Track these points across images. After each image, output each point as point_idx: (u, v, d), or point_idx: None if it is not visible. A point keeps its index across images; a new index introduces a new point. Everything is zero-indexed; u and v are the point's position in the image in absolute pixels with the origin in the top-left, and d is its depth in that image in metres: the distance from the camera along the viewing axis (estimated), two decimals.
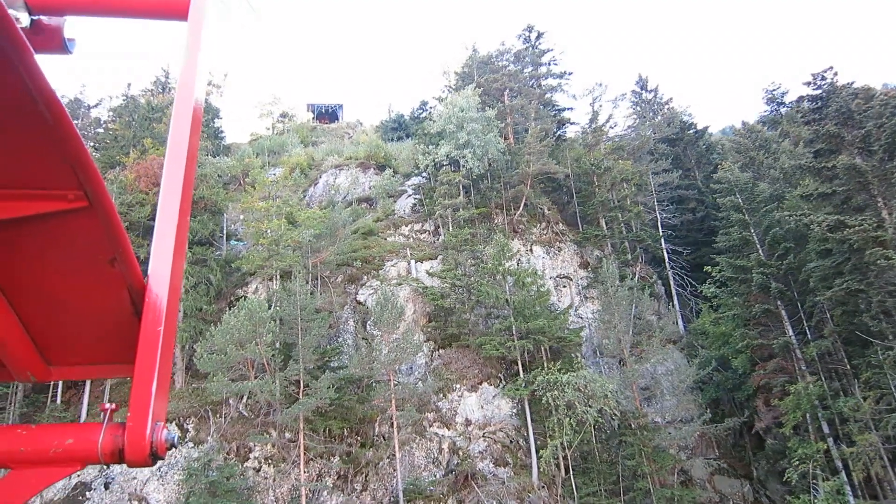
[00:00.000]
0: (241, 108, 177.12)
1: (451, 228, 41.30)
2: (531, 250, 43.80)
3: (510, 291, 34.44)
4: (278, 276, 35.44)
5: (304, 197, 53.32)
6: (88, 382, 31.79)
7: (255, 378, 28.68)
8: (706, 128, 68.08)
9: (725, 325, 34.43)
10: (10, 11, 1.36)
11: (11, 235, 1.53)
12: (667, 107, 67.12)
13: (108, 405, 1.67)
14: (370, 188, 53.10)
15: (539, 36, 59.82)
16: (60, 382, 31.50)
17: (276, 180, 40.59)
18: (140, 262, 1.71)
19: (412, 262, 40.17)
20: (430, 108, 74.60)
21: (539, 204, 45.99)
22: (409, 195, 49.56)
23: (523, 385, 31.39)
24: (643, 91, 67.53)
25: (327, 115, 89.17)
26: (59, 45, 1.92)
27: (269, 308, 32.79)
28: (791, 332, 32.16)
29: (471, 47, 59.97)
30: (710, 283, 36.70)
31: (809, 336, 31.81)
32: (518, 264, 37.95)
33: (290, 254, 35.11)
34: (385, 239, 43.69)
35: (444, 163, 43.26)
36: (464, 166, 42.41)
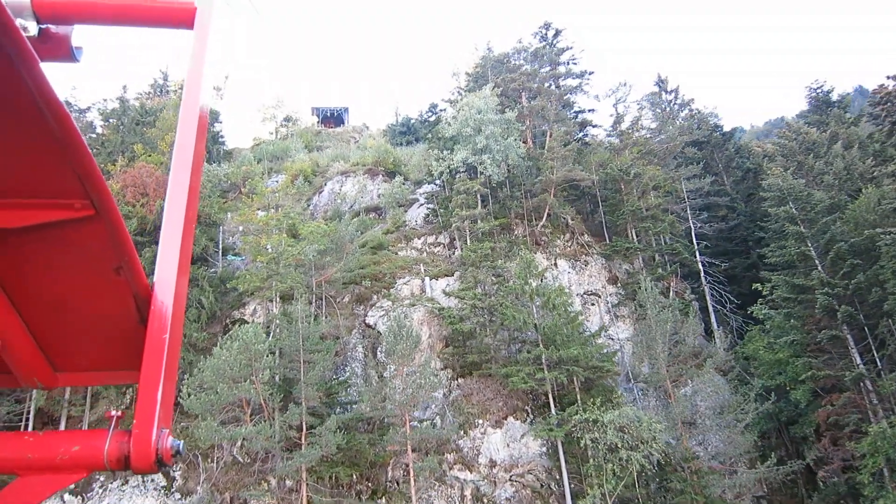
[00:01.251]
0: (244, 111, 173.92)
1: (468, 242, 37.54)
2: (555, 264, 40.05)
3: (537, 314, 30.71)
4: (279, 298, 31.76)
5: (308, 206, 49.68)
6: (64, 422, 28.20)
7: (251, 420, 24.97)
8: (734, 129, 64.25)
9: (782, 351, 30.50)
10: (18, 21, 1.52)
11: (19, 243, 1.55)
12: (687, 108, 63.12)
13: (113, 412, 1.60)
14: (379, 196, 49.38)
15: (557, 34, 55.94)
16: (31, 422, 27.95)
17: (278, 189, 36.92)
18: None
19: (426, 279, 36.43)
20: (440, 110, 71.19)
21: (562, 214, 42.24)
22: (422, 204, 45.80)
23: (557, 424, 27.55)
24: (663, 92, 63.54)
25: (332, 118, 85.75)
26: (66, 53, 1.89)
27: (268, 336, 29.13)
28: (859, 362, 28.31)
29: (484, 46, 56.41)
30: (761, 303, 32.70)
31: (880, 366, 27.94)
32: (542, 281, 34.04)
33: (293, 272, 31.42)
34: (396, 253, 39.95)
35: (461, 170, 39.53)
36: (482, 173, 38.64)
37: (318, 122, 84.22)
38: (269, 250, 31.93)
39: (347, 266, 34.43)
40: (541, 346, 29.44)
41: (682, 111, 62.86)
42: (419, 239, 41.68)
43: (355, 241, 36.35)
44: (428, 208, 44.29)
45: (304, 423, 25.03)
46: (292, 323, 27.21)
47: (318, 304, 33.58)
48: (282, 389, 26.28)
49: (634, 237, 42.04)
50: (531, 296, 30.27)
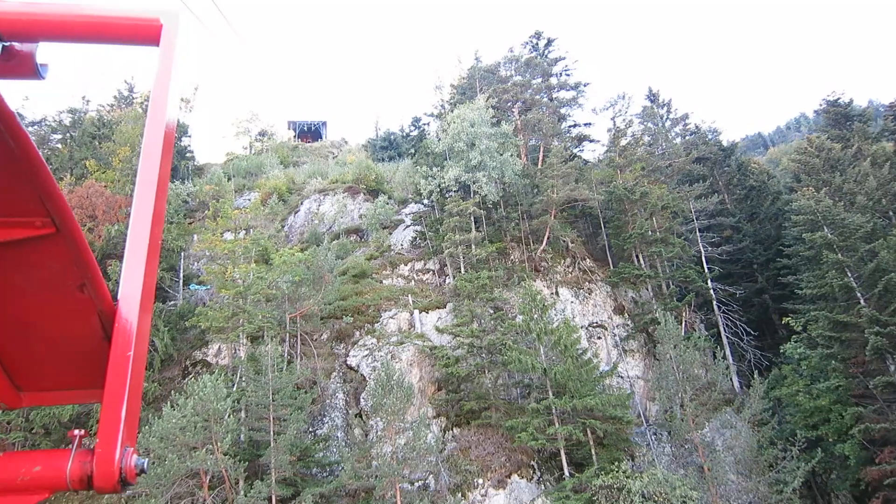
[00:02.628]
0: (217, 125, 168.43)
1: (462, 269, 33.57)
2: (556, 293, 36.21)
3: (545, 355, 26.77)
4: (247, 339, 27.44)
5: (283, 227, 45.43)
6: None
7: (210, 494, 20.56)
8: (734, 144, 61.16)
9: (823, 397, 26.81)
10: None
11: None
12: (682, 123, 59.77)
13: (76, 431, 1.59)
14: (360, 217, 45.24)
15: (549, 43, 52.80)
16: None
17: (248, 209, 32.58)
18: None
19: (416, 312, 32.30)
20: (424, 124, 67.61)
21: (562, 236, 38.42)
22: (408, 226, 41.78)
23: (572, 489, 23.48)
24: (654, 106, 60.23)
25: (310, 133, 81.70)
26: (31, 70, 1.85)
27: (234, 385, 24.84)
28: None
29: (471, 56, 53.15)
30: (796, 341, 29.00)
31: None
32: (545, 314, 29.82)
33: (263, 307, 27.26)
34: (380, 282, 35.77)
35: (453, 188, 35.64)
36: (476, 192, 34.78)
37: (294, 136, 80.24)
38: (237, 280, 27.66)
39: (326, 298, 30.25)
40: (550, 394, 25.54)
41: (675, 126, 59.62)
42: (406, 265, 37.60)
43: (335, 270, 32.14)
44: (415, 231, 40.32)
45: (273, 497, 20.73)
46: (261, 373, 22.93)
47: (292, 342, 29.33)
48: (248, 454, 21.97)
49: (642, 262, 38.39)
50: (539, 335, 26.33)
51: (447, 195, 35.94)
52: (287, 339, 28.85)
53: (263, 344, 25.00)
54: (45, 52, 1.85)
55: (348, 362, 29.70)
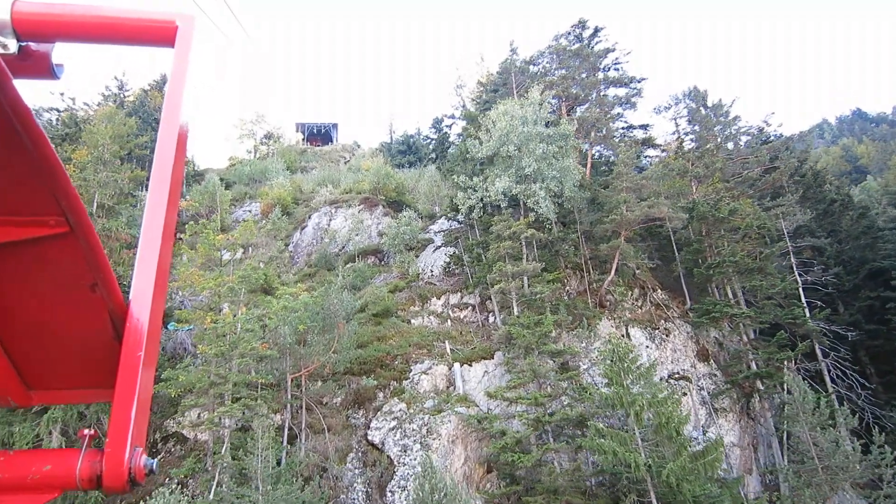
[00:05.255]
0: (220, 128, 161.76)
1: (515, 308, 26.16)
2: (627, 334, 28.85)
3: (642, 437, 19.38)
4: (232, 416, 20.11)
5: (287, 246, 38.24)
6: None
7: None
8: (806, 151, 53.50)
9: None
10: None
11: None
12: (735, 127, 51.76)
13: (87, 431, 1.57)
14: (379, 235, 37.91)
15: (595, 33, 45.49)
16: None
17: (236, 234, 25.22)
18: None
19: (456, 366, 24.90)
20: (446, 127, 60.90)
21: (629, 263, 30.97)
22: (438, 247, 34.36)
23: None
24: (700, 108, 52.31)
25: (319, 135, 75.01)
26: (46, 70, 1.86)
27: (211, 483, 17.63)
28: None
29: (507, 48, 46.14)
30: None
31: None
32: (640, 378, 22.06)
33: (259, 367, 20.05)
34: (408, 321, 28.39)
35: (501, 203, 28.27)
36: (532, 209, 27.45)
37: (302, 139, 73.77)
38: (220, 328, 20.33)
39: (343, 350, 22.91)
40: (652, 497, 18.16)
41: (725, 130, 51.70)
42: (438, 298, 30.16)
43: (352, 313, 24.83)
44: (448, 254, 32.92)
45: None
46: (249, 478, 15.65)
47: (296, 410, 22.03)
48: None
49: (729, 295, 30.89)
50: (637, 414, 18.93)
51: (491, 212, 28.67)
52: (289, 407, 21.57)
53: (256, 417, 17.77)
54: (60, 52, 1.78)
55: (369, 437, 22.24)
